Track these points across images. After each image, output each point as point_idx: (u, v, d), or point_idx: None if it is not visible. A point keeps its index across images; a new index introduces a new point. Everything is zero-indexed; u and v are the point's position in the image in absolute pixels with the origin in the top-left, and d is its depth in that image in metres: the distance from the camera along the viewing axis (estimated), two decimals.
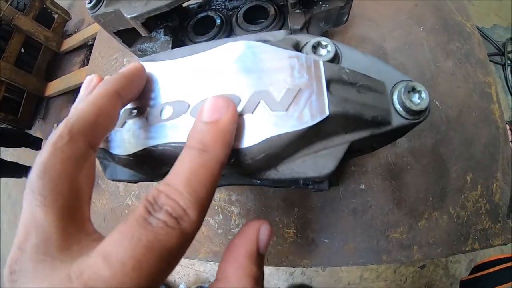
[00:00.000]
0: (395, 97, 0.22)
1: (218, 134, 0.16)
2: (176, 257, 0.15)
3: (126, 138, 0.22)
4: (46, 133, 1.87)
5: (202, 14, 0.49)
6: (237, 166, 0.20)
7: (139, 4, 0.38)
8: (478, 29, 1.35)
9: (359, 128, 0.22)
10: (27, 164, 1.72)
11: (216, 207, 0.51)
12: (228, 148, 0.17)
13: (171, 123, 0.21)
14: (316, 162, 0.22)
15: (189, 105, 0.20)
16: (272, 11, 0.44)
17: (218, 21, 0.47)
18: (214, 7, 0.50)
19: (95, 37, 2.24)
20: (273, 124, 0.18)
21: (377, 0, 0.56)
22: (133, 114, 0.23)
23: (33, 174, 0.15)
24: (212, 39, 0.46)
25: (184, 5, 0.51)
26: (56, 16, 2.00)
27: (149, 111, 0.22)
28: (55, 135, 0.16)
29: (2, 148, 1.91)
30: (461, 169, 0.48)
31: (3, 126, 1.80)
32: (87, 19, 2.17)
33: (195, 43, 0.48)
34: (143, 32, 0.42)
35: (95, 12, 0.41)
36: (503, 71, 1.34)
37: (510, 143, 1.07)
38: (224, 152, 0.17)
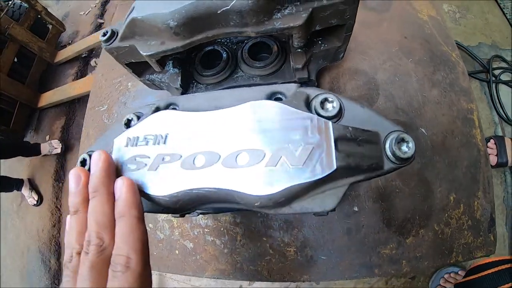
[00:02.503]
0: (387, 146, 0.28)
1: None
2: None
3: (160, 181, 0.27)
4: None
5: (209, 48, 0.54)
6: (261, 207, 0.24)
7: (154, 43, 0.41)
8: (464, 47, 1.46)
9: (357, 173, 0.27)
10: (18, 177, 1.72)
11: (222, 229, 0.55)
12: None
13: (204, 170, 0.25)
14: (322, 200, 0.26)
15: (220, 156, 0.25)
16: (275, 48, 0.50)
17: (225, 56, 0.51)
18: (220, 40, 0.55)
19: (89, 50, 2.26)
20: (292, 176, 0.23)
21: (369, 32, 0.62)
22: (166, 160, 0.27)
23: None
24: (219, 73, 0.51)
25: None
26: (50, 27, 2.02)
27: (183, 159, 0.26)
28: None
29: None
30: (445, 190, 0.53)
31: None
32: (82, 31, 2.20)
33: (202, 75, 0.52)
34: (156, 68, 0.46)
35: (109, 45, 0.45)
36: (488, 87, 1.43)
37: (496, 157, 1.16)
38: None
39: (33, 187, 1.74)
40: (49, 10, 1.97)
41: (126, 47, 0.44)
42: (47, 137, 1.87)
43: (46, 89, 1.96)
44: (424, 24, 0.64)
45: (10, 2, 1.86)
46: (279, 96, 0.30)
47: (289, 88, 0.30)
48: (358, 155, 0.26)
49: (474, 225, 0.52)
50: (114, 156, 0.30)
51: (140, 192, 0.28)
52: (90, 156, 0.33)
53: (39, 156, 1.75)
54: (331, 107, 0.28)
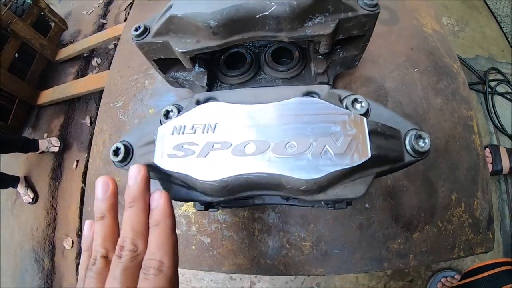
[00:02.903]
0: (407, 141, 0.32)
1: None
2: None
3: (210, 167, 0.29)
4: None
5: (233, 50, 0.57)
6: (305, 190, 0.28)
7: (190, 41, 0.43)
8: (462, 59, 1.54)
9: (383, 164, 0.31)
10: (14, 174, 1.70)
11: (240, 224, 0.57)
12: None
13: (255, 157, 0.28)
14: (353, 187, 0.30)
15: (270, 144, 0.28)
16: (296, 53, 0.54)
17: (249, 58, 0.55)
18: (244, 44, 0.59)
19: (91, 49, 2.27)
20: (335, 162, 0.27)
21: (379, 43, 0.67)
22: (216, 147, 0.30)
23: None
24: (243, 75, 0.55)
25: None
26: (53, 24, 2.03)
27: (234, 146, 0.29)
28: None
29: None
30: (447, 189, 0.58)
31: None
32: (84, 30, 2.21)
33: (227, 76, 0.55)
34: (188, 65, 0.48)
35: (141, 40, 0.47)
36: (484, 98, 1.51)
37: (491, 164, 1.22)
38: None
39: (29, 185, 1.72)
40: (52, 7, 1.97)
41: (159, 43, 0.46)
42: (45, 135, 1.85)
43: (46, 86, 1.96)
44: (429, 37, 0.69)
45: None
46: (314, 95, 0.34)
47: (323, 89, 0.34)
48: (386, 147, 0.30)
49: (474, 223, 0.56)
50: (158, 143, 0.32)
51: (189, 179, 0.31)
52: (124, 145, 0.36)
53: (36, 153, 1.74)
54: (360, 107, 0.32)
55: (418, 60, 0.67)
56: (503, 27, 1.71)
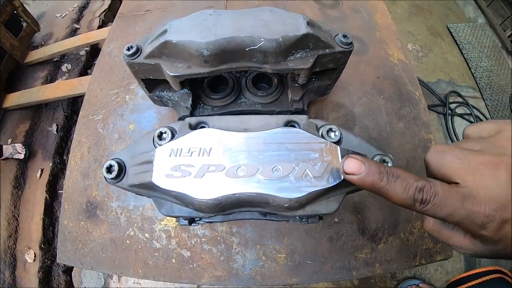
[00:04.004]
0: None
1: None
2: None
3: (206, 187, 0.33)
4: None
5: (216, 74, 0.61)
6: (288, 208, 0.33)
7: (181, 66, 0.47)
8: (424, 83, 1.70)
9: (352, 185, 0.36)
10: None
11: (219, 238, 0.61)
12: None
13: (246, 179, 0.33)
14: (327, 204, 0.35)
15: (259, 168, 0.33)
16: (275, 80, 0.59)
17: (231, 82, 0.60)
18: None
19: (62, 54, 2.20)
20: (313, 184, 0.32)
21: (350, 72, 0.75)
22: (211, 170, 0.34)
23: None
24: (225, 98, 0.59)
25: None
26: (25, 25, 1.94)
27: (227, 169, 0.33)
28: None
29: None
30: None
31: None
32: (56, 33, 2.14)
33: (210, 98, 0.59)
34: (177, 87, 0.51)
35: (133, 60, 0.49)
36: (445, 120, 1.68)
37: None
38: None
39: None
40: (26, 7, 1.90)
41: (150, 64, 0.49)
42: (9, 141, 1.75)
43: (13, 89, 1.86)
44: (394, 66, 0.79)
45: None
46: (294, 124, 0.39)
47: (302, 119, 0.39)
48: None
49: None
50: (156, 164, 0.35)
51: (186, 197, 0.34)
52: (117, 163, 0.38)
53: None
54: (334, 135, 0.38)
55: (383, 88, 0.75)
56: (464, 53, 1.92)
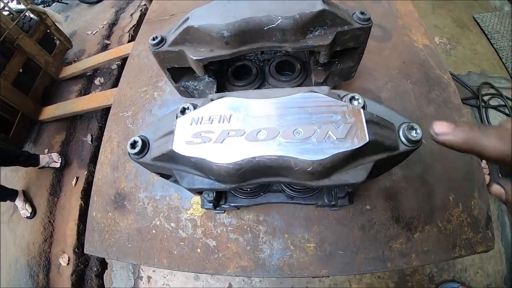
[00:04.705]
0: (401, 132, 0.36)
1: None
2: None
3: (226, 151, 0.33)
4: None
5: (240, 63, 0.63)
6: (312, 173, 0.31)
7: (204, 50, 0.49)
8: (455, 76, 1.64)
9: (380, 151, 0.35)
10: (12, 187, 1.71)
11: (245, 227, 0.60)
12: None
13: (267, 142, 0.32)
14: (355, 173, 0.34)
15: (279, 131, 0.33)
16: (298, 66, 0.59)
17: (255, 70, 0.61)
18: (249, 57, 0.64)
19: (95, 68, 2.36)
20: (337, 146, 0.31)
21: (374, 58, 0.74)
22: (231, 135, 0.34)
23: None
24: (249, 84, 0.60)
25: None
26: (58, 42, 2.12)
27: (247, 133, 0.33)
28: None
29: None
30: (444, 191, 0.61)
31: None
32: (88, 50, 2.31)
33: (235, 85, 0.61)
34: (200, 72, 0.53)
35: (158, 49, 0.52)
36: (478, 112, 1.60)
37: (488, 175, 1.26)
38: None
39: (28, 199, 1.72)
40: (58, 26, 2.07)
41: (174, 51, 0.52)
42: (46, 151, 1.88)
43: (49, 103, 2.01)
44: (420, 51, 0.76)
45: (21, 13, 1.95)
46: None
47: (323, 89, 0.39)
48: (381, 135, 0.34)
49: (473, 222, 0.59)
50: (177, 132, 0.36)
51: (205, 163, 0.34)
52: (141, 139, 0.39)
53: (36, 168, 1.76)
54: (357, 103, 0.36)
55: (410, 72, 0.73)
56: (493, 43, 1.83)
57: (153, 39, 0.52)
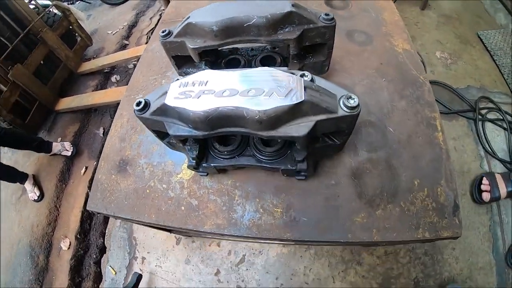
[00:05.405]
0: (341, 101, 0.50)
1: None
2: None
3: (200, 104, 0.49)
4: None
5: (232, 56, 0.80)
6: (260, 122, 0.46)
7: (199, 41, 0.67)
8: (453, 89, 1.75)
9: (320, 112, 0.49)
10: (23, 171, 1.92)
11: (224, 190, 0.74)
12: None
13: (228, 98, 0.48)
14: (298, 128, 0.48)
15: (238, 91, 0.48)
16: (278, 60, 0.75)
17: (243, 62, 0.77)
18: (240, 53, 0.82)
19: (112, 66, 2.63)
20: (279, 101, 0.46)
21: (353, 59, 0.88)
22: (205, 93, 0.50)
23: None
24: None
25: (220, 48, 0.81)
26: (79, 39, 2.41)
27: (216, 92, 0.49)
28: None
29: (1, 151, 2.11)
30: (409, 175, 0.71)
31: (4, 126, 1.98)
32: (107, 48, 2.60)
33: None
34: (196, 58, 0.71)
35: (165, 39, 0.70)
36: (475, 125, 1.69)
37: (489, 193, 1.33)
38: None
39: (37, 183, 1.93)
40: (80, 23, 2.36)
41: (177, 42, 0.70)
42: (59, 139, 2.11)
43: (66, 95, 2.27)
44: (398, 55, 0.90)
45: (47, 8, 2.25)
46: None
47: (282, 69, 0.54)
48: (318, 98, 0.49)
49: (438, 208, 0.67)
50: (169, 92, 0.53)
51: (184, 112, 0.49)
52: (145, 100, 0.56)
53: (48, 155, 1.98)
54: (306, 77, 0.51)
55: (386, 72, 0.86)
56: (496, 60, 1.93)
57: (163, 32, 0.71)
